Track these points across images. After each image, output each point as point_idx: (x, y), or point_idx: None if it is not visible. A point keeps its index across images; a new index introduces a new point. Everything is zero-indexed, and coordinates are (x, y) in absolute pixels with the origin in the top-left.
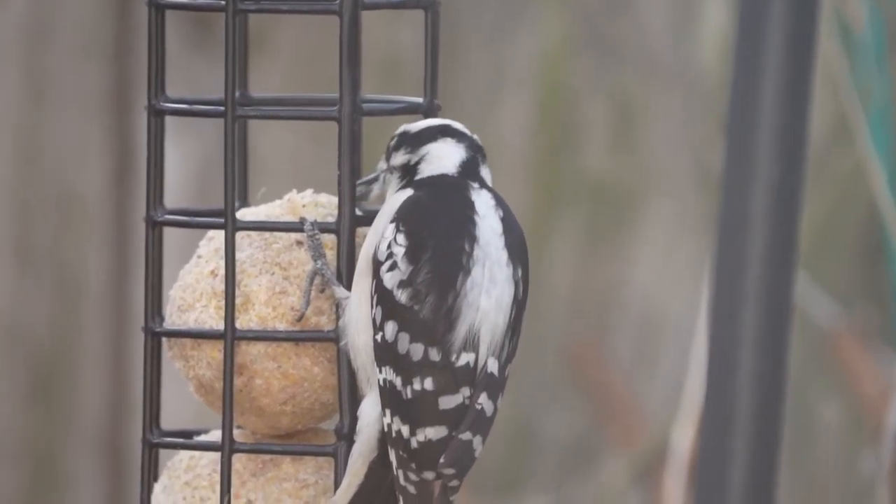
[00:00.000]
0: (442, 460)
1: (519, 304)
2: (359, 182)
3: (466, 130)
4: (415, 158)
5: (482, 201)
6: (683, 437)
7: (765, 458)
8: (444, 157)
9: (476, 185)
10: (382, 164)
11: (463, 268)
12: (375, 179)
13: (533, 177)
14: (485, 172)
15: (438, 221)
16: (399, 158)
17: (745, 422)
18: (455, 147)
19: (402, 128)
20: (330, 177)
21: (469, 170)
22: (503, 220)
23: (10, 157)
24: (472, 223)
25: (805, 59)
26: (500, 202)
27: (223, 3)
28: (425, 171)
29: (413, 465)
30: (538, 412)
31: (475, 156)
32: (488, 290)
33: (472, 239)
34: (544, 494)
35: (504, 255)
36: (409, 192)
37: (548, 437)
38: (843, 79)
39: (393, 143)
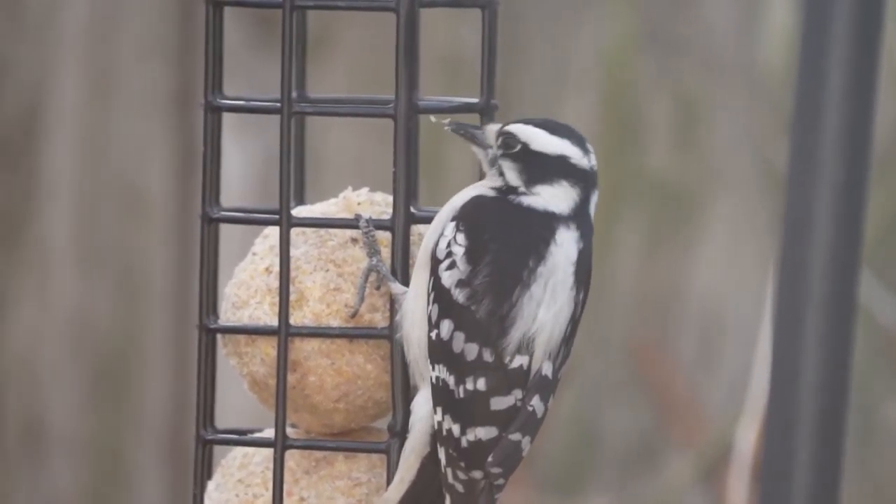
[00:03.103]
0: (490, 459)
1: (575, 322)
2: (469, 126)
3: (584, 160)
4: (523, 189)
5: (567, 234)
6: (747, 437)
7: (829, 458)
8: (551, 203)
9: (573, 224)
10: (491, 138)
11: (522, 282)
12: (483, 147)
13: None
14: (592, 203)
15: (502, 229)
16: (510, 174)
17: (809, 422)
18: (569, 192)
19: (523, 134)
20: (391, 176)
21: (577, 210)
22: (581, 252)
23: (76, 155)
24: (545, 244)
25: (870, 57)
26: (584, 236)
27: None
28: (530, 201)
29: (462, 464)
30: (601, 411)
31: (588, 196)
32: (548, 305)
33: (539, 258)
34: (607, 493)
35: (571, 279)
36: (484, 189)
37: (611, 436)
38: None
39: (514, 151)
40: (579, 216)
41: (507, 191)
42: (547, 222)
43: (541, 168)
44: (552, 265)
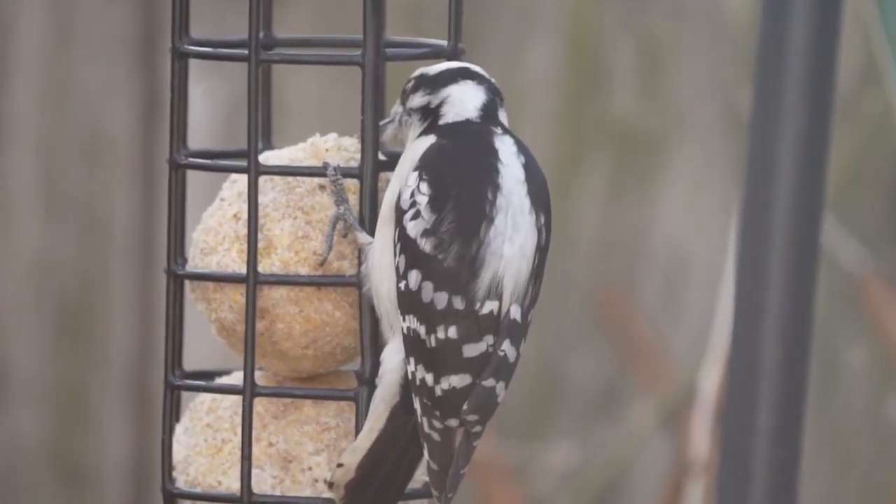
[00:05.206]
0: (465, 407)
1: (542, 251)
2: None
3: (484, 73)
4: (435, 101)
5: (505, 148)
6: (710, 381)
7: (791, 402)
8: (465, 100)
9: (499, 130)
10: (398, 108)
11: (486, 216)
12: (391, 122)
13: (560, 121)
14: (503, 116)
15: (462, 170)
16: (417, 100)
17: (771, 365)
18: (475, 89)
19: (419, 70)
20: (356, 120)
21: (490, 113)
22: (525, 166)
23: (38, 99)
24: (496, 171)
25: (833, 2)
26: (521, 148)
27: None
28: (448, 114)
29: (437, 413)
30: (564, 356)
31: (494, 98)
32: (511, 238)
33: (496, 187)
34: (570, 438)
35: (527, 202)
36: (432, 138)
37: (574, 381)
38: (872, 22)
39: (410, 85)
40: (495, 120)
41: (429, 123)
42: (484, 141)
43: (444, 78)
44: (507, 191)
